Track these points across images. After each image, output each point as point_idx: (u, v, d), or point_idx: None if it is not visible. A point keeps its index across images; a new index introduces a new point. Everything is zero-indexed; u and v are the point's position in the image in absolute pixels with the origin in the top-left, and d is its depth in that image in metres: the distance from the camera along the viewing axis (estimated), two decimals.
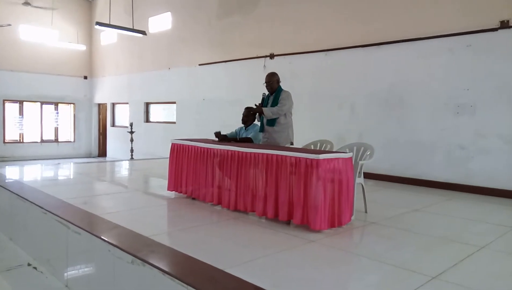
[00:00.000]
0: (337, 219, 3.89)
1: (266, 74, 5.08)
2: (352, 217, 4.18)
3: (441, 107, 6.62)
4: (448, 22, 6.52)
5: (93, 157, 17.09)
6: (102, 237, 3.37)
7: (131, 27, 11.84)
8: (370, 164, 4.62)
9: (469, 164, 6.33)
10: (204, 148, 4.88)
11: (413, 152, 6.96)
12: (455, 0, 6.47)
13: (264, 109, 4.85)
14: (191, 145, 5.09)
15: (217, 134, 5.26)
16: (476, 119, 6.25)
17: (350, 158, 4.09)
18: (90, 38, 16.98)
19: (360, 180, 4.54)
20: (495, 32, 6.03)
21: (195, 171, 5.00)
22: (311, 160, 3.70)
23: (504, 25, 5.94)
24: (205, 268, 2.80)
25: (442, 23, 6.58)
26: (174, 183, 5.31)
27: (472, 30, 6.24)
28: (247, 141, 5.09)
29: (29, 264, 4.31)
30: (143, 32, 11.59)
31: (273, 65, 8.97)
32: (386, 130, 7.30)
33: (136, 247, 3.13)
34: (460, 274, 2.91)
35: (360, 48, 7.67)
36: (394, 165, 7.16)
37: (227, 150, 4.56)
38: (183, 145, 5.24)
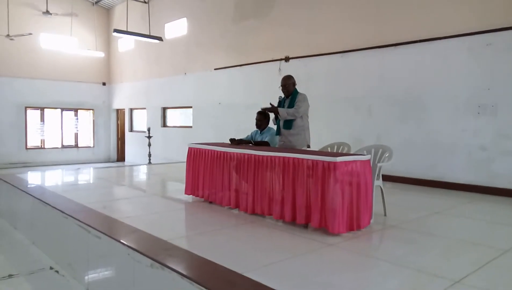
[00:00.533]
0: (355, 222, 3.84)
1: (282, 77, 5.07)
2: (371, 220, 4.12)
3: (461, 108, 6.49)
4: (466, 21, 6.40)
5: (112, 161, 17.37)
6: (121, 241, 3.41)
7: (148, 34, 12.05)
8: (387, 166, 4.56)
9: (491, 166, 6.17)
10: (220, 151, 4.89)
11: (432, 153, 6.84)
12: None
13: (279, 109, 4.84)
14: (208, 149, 5.11)
15: (232, 141, 5.29)
16: (497, 120, 6.10)
17: (368, 161, 4.04)
18: (108, 45, 17.30)
19: (378, 182, 4.48)
20: None
21: (212, 175, 5.03)
22: (328, 162, 3.67)
23: None
24: (224, 272, 2.80)
25: (460, 22, 6.46)
26: (192, 187, 5.35)
27: (492, 28, 6.10)
28: (263, 144, 5.09)
29: (51, 268, 4.39)
30: (160, 38, 11.77)
31: (289, 68, 8.96)
32: (404, 131, 7.20)
33: (155, 251, 3.16)
34: (484, 278, 2.83)
35: (376, 49, 7.59)
36: (412, 167, 7.04)
37: (244, 154, 4.56)
38: (200, 149, 5.27)
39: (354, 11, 8.01)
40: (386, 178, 6.63)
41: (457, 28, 6.49)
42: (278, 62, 9.50)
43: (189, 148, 5.48)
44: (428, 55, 6.89)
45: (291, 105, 4.91)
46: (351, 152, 4.80)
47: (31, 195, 5.51)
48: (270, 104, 4.99)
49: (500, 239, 3.82)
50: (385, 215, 4.55)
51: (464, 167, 6.46)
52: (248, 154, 4.50)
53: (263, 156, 4.31)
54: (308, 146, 5.05)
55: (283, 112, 4.81)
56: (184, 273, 2.74)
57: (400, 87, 7.26)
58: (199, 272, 2.84)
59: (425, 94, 6.93)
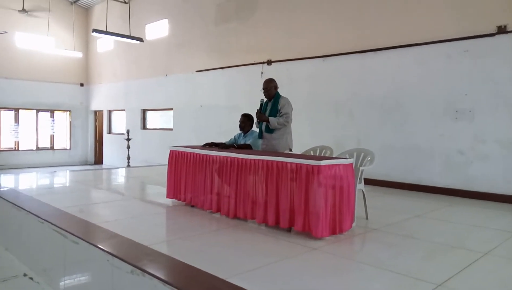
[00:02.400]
0: (338, 226, 3.85)
1: (264, 80, 5.06)
2: (354, 224, 4.14)
3: (440, 113, 6.61)
4: (445, 28, 6.54)
5: (89, 164, 16.98)
6: (100, 246, 3.30)
7: (128, 34, 11.85)
8: (368, 170, 4.59)
9: (469, 170, 6.31)
10: (203, 155, 4.83)
11: (412, 157, 6.95)
12: (452, 6, 6.49)
13: (270, 119, 4.81)
14: (190, 152, 5.04)
15: (209, 145, 5.19)
16: (475, 124, 6.25)
17: (351, 164, 4.06)
18: (86, 45, 16.95)
19: (360, 186, 4.51)
20: (493, 38, 6.05)
21: (194, 178, 4.95)
22: (312, 166, 3.66)
23: (501, 30, 5.96)
24: (206, 278, 2.74)
25: (439, 29, 6.60)
26: (173, 191, 5.25)
27: (469, 35, 6.26)
28: (246, 147, 5.05)
29: (25, 275, 4.23)
30: (140, 39, 11.61)
31: (271, 72, 8.96)
32: (384, 135, 7.29)
33: (136, 257, 3.07)
34: (465, 281, 2.87)
35: (357, 54, 7.68)
36: (392, 170, 7.14)
37: (227, 157, 4.51)
38: (181, 152, 5.19)
39: (335, 16, 8.09)
40: (367, 181, 6.67)
41: (436, 34, 6.62)
42: (261, 65, 9.50)
43: (170, 150, 5.39)
44: (408, 60, 7.01)
45: (273, 109, 4.90)
46: (334, 156, 4.82)
47: (4, 199, 5.30)
48: (258, 110, 4.94)
49: (479, 242, 3.89)
50: (366, 218, 4.58)
51: (442, 171, 6.59)
52: (231, 157, 4.45)
53: (246, 159, 4.27)
54: (290, 150, 5.04)
55: (274, 122, 4.79)
56: (166, 279, 2.66)
57: (380, 92, 7.36)
58: (181, 278, 2.77)
59: (405, 99, 7.04)
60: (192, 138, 10.91)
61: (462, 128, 6.37)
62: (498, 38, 6.02)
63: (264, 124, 4.97)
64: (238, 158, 4.36)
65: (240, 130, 5.40)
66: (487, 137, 6.13)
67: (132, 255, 3.12)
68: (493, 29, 6.04)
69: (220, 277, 2.72)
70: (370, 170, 4.71)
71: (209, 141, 5.35)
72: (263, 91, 4.99)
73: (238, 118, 5.41)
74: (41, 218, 4.19)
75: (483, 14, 6.17)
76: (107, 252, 3.17)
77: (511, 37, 5.91)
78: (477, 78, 6.23)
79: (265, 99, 5.06)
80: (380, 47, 7.34)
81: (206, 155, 4.78)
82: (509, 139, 5.92)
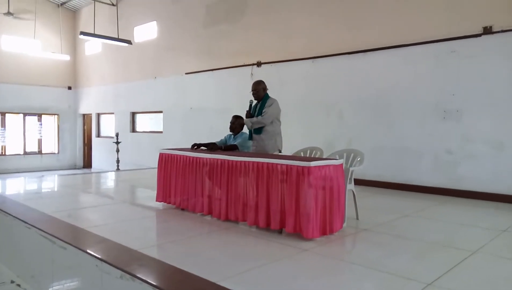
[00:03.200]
0: (328, 226, 3.85)
1: (253, 82, 5.06)
2: (344, 224, 4.15)
3: (428, 113, 6.68)
4: (432, 29, 6.61)
5: (78, 168, 16.79)
6: (89, 251, 3.26)
7: (116, 37, 11.76)
8: (358, 170, 4.61)
9: (457, 169, 6.38)
10: (193, 157, 4.80)
11: (401, 157, 7.00)
12: (439, 7, 6.57)
13: (245, 119, 4.99)
14: (180, 155, 5.00)
15: (196, 146, 5.17)
16: (462, 124, 6.32)
17: (341, 165, 4.07)
18: (74, 48, 16.77)
19: (351, 186, 4.52)
20: (479, 38, 6.13)
21: (184, 181, 4.92)
22: (302, 167, 3.66)
23: (487, 31, 6.05)
24: (197, 281, 2.71)
25: (427, 30, 6.67)
26: (163, 194, 5.21)
27: (456, 36, 6.34)
28: (232, 148, 5.03)
29: (12, 281, 4.15)
30: (129, 42, 11.53)
31: (261, 73, 8.97)
32: (374, 136, 7.33)
33: (125, 261, 3.03)
34: (455, 280, 2.89)
35: (347, 55, 7.72)
36: (382, 170, 7.18)
37: (217, 159, 4.49)
38: (171, 155, 5.16)
39: (325, 18, 8.12)
40: (357, 181, 6.70)
41: (423, 35, 6.69)
42: (250, 67, 9.50)
43: (160, 153, 5.35)
44: (397, 61, 7.07)
45: (261, 110, 4.92)
46: (324, 157, 4.83)
47: None
48: (248, 112, 5.05)
49: (468, 241, 3.92)
50: (357, 218, 4.60)
51: (431, 170, 6.65)
52: (221, 159, 4.43)
53: (236, 161, 4.26)
54: (280, 151, 5.05)
55: (248, 122, 4.96)
56: (156, 283, 2.63)
57: (370, 92, 7.40)
58: (171, 283, 2.74)
59: (394, 99, 7.10)
60: (182, 140, 10.84)
61: (450, 128, 6.44)
62: (484, 39, 6.10)
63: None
64: (228, 160, 4.35)
65: (231, 131, 5.39)
66: (475, 136, 6.20)
67: (122, 259, 3.09)
68: (479, 30, 6.12)
69: (211, 281, 2.70)
70: (361, 171, 4.74)
71: (197, 142, 5.31)
72: (252, 93, 5.00)
73: (228, 120, 5.41)
74: (28, 224, 4.12)
75: (469, 15, 6.25)
76: (96, 257, 3.12)
77: (497, 38, 5.99)
78: (464, 78, 6.30)
79: (255, 101, 5.07)
80: (369, 48, 7.39)
81: (196, 157, 4.75)
82: (497, 139, 6.00)
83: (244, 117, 5.16)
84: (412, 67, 6.88)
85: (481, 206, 5.67)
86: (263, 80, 5.11)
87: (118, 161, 12.26)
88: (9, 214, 4.60)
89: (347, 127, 7.74)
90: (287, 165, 3.79)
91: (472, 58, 6.22)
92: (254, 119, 4.88)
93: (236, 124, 5.32)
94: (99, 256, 3.12)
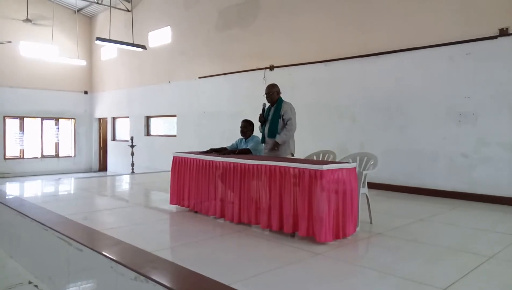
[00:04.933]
0: (342, 230, 3.84)
1: (266, 85, 5.08)
2: (358, 228, 4.13)
3: (443, 116, 6.60)
4: (447, 31, 6.54)
5: (94, 171, 17.05)
6: (104, 253, 3.31)
7: (131, 42, 11.94)
8: (371, 174, 4.58)
9: (472, 173, 6.28)
10: (206, 160, 4.84)
11: (415, 160, 6.93)
12: (454, 9, 6.50)
13: (277, 138, 4.87)
14: (193, 158, 5.05)
15: (212, 151, 5.22)
16: (478, 127, 6.23)
17: (354, 168, 4.05)
18: (90, 54, 17.09)
19: (364, 190, 4.50)
20: (495, 40, 6.04)
21: (197, 184, 4.96)
22: (315, 171, 3.67)
23: (503, 32, 5.96)
24: (210, 284, 2.74)
25: (441, 32, 6.60)
26: (177, 197, 5.27)
27: (471, 38, 6.26)
28: (245, 152, 5.06)
29: (30, 282, 4.24)
30: (143, 47, 11.69)
31: (273, 77, 8.99)
32: (387, 139, 7.28)
33: (139, 263, 3.07)
34: (470, 285, 2.85)
35: (359, 58, 7.69)
36: (396, 174, 7.12)
37: (229, 162, 4.52)
38: (185, 158, 5.21)
39: (337, 21, 8.11)
40: (371, 185, 6.66)
41: (437, 37, 6.63)
42: (263, 70, 9.53)
43: (174, 157, 5.41)
44: (410, 64, 7.01)
45: (276, 114, 4.93)
46: (337, 160, 4.81)
47: (9, 206, 5.33)
48: (261, 115, 5.01)
49: (484, 246, 3.86)
50: (371, 222, 4.57)
51: (446, 174, 6.56)
52: (234, 162, 4.46)
53: (249, 164, 4.28)
54: (292, 155, 5.05)
55: (281, 139, 4.85)
56: (170, 285, 2.67)
57: (383, 96, 7.35)
58: (184, 285, 2.77)
59: (407, 102, 7.03)
60: (195, 144, 10.95)
61: (465, 131, 6.35)
62: (500, 41, 6.01)
63: (266, 129, 5.00)
64: (241, 164, 4.37)
65: (242, 135, 5.42)
66: (490, 140, 6.10)
67: (136, 262, 3.13)
68: (495, 32, 6.04)
69: (225, 283, 2.72)
70: (374, 174, 4.71)
71: (212, 147, 5.38)
72: (265, 96, 5.02)
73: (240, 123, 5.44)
74: (46, 226, 4.21)
75: (484, 17, 6.17)
76: (111, 259, 3.18)
77: None
78: (480, 81, 6.21)
79: (268, 104, 5.09)
80: (382, 51, 7.35)
81: (209, 161, 4.80)
82: None
83: (256, 121, 5.18)
84: (426, 69, 6.81)
85: (497, 211, 5.57)
86: (276, 83, 5.13)
87: (132, 164, 12.41)
88: (27, 216, 4.70)
89: (359, 130, 7.70)
90: (299, 169, 3.80)
91: (488, 60, 6.13)
92: (285, 131, 4.82)
93: (247, 127, 5.34)
94: (114, 258, 3.17)
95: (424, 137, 6.82)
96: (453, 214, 5.44)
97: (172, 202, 5.34)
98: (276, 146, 4.94)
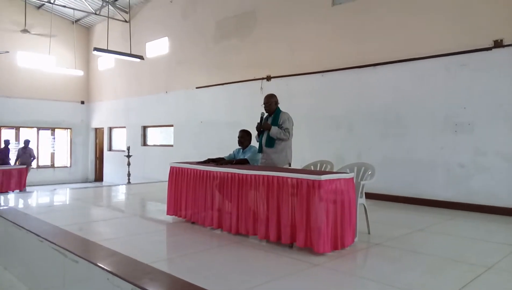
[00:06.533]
0: (340, 241, 3.81)
1: (265, 95, 5.09)
2: (356, 239, 4.11)
3: (439, 126, 6.63)
4: (443, 42, 6.61)
5: (90, 182, 16.94)
6: (100, 265, 3.27)
7: (129, 52, 11.97)
8: (368, 184, 4.58)
9: (470, 182, 6.29)
10: (203, 170, 4.82)
11: (412, 171, 6.94)
12: (449, 20, 6.58)
13: (273, 127, 4.82)
14: (190, 168, 5.03)
15: (209, 161, 5.20)
16: (474, 137, 6.26)
17: (352, 179, 4.05)
18: (87, 64, 17.12)
19: (362, 200, 4.49)
20: (490, 51, 6.11)
21: (194, 194, 4.93)
22: (313, 181, 3.66)
23: (498, 44, 6.03)
24: None
25: (437, 43, 6.67)
26: (174, 207, 5.23)
27: (467, 49, 6.33)
28: (243, 162, 5.04)
29: None
30: (141, 57, 11.72)
31: (270, 87, 9.03)
32: (384, 149, 7.29)
33: (136, 275, 3.04)
34: None
35: (356, 68, 7.74)
36: (393, 184, 7.11)
37: (227, 173, 4.50)
38: (182, 168, 5.19)
39: (333, 31, 8.18)
40: (368, 195, 6.65)
41: (434, 48, 6.69)
42: (260, 81, 9.57)
43: (171, 167, 5.38)
44: (406, 74, 7.07)
45: (274, 123, 4.92)
46: (334, 170, 4.81)
47: (4, 217, 5.26)
48: (258, 124, 4.97)
49: (482, 256, 3.84)
50: (369, 233, 4.55)
51: (443, 184, 6.57)
52: (231, 173, 4.45)
53: (246, 175, 4.26)
54: (289, 165, 5.04)
55: (274, 131, 4.80)
56: None
57: (380, 106, 7.39)
58: None
59: (404, 113, 7.07)
60: (192, 154, 10.91)
61: (462, 141, 6.37)
62: (495, 52, 6.08)
63: (264, 138, 4.99)
64: (238, 174, 4.36)
65: (239, 145, 5.41)
66: (487, 149, 6.13)
67: (133, 273, 3.09)
68: (490, 43, 6.11)
69: None
70: (371, 184, 4.69)
71: (210, 157, 5.36)
72: (264, 106, 5.03)
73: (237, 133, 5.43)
74: (41, 237, 4.16)
75: (479, 28, 6.24)
76: (107, 270, 3.13)
77: (508, 51, 5.97)
78: (476, 92, 6.26)
79: (266, 114, 5.09)
80: (378, 62, 7.41)
81: (207, 171, 4.78)
82: (510, 152, 5.92)
83: (254, 130, 5.17)
84: (422, 80, 6.86)
85: (495, 221, 5.57)
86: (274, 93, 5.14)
87: (129, 175, 12.35)
88: (22, 227, 4.65)
89: (357, 140, 7.72)
90: (297, 179, 3.79)
91: (483, 71, 6.19)
92: (282, 132, 4.79)
93: (245, 137, 5.34)
94: (110, 270, 3.13)
95: (421, 147, 6.84)
96: (451, 224, 5.43)
97: (169, 212, 5.29)
98: (271, 143, 4.90)
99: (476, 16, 6.30)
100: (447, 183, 6.52)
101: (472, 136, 6.27)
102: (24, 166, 11.45)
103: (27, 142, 12.65)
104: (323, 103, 8.29)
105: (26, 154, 12.27)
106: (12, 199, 7.63)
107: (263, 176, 4.08)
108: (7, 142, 12.38)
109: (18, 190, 10.65)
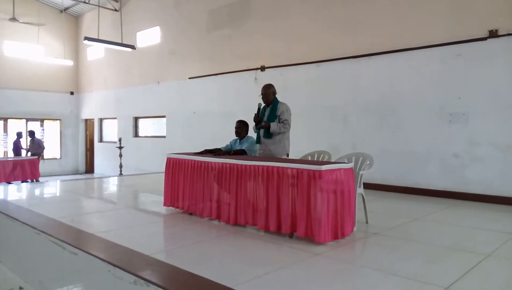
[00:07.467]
0: (340, 230, 3.82)
1: (262, 86, 5.04)
2: (354, 228, 4.12)
3: (434, 116, 6.67)
4: (438, 32, 6.61)
5: (80, 173, 16.75)
6: (101, 256, 3.22)
7: (120, 42, 11.78)
8: (365, 174, 4.59)
9: (464, 172, 6.35)
10: (201, 161, 4.78)
11: (407, 161, 6.98)
12: (444, 10, 6.58)
13: (271, 124, 4.78)
14: (188, 159, 4.98)
15: (207, 152, 5.16)
16: (469, 128, 6.30)
17: (351, 169, 4.05)
18: (77, 54, 16.81)
19: (360, 190, 4.50)
20: (485, 42, 6.14)
21: (192, 185, 4.89)
22: (314, 171, 3.64)
23: (492, 34, 6.05)
24: (213, 286, 2.68)
25: (432, 33, 6.67)
26: (171, 198, 5.19)
27: (462, 39, 6.34)
28: (240, 153, 5.01)
29: (20, 288, 4.12)
30: (132, 47, 11.55)
31: (265, 78, 8.96)
32: (379, 140, 7.32)
33: (138, 267, 3.00)
34: (471, 283, 2.86)
35: (351, 59, 7.72)
36: (388, 174, 7.16)
37: (225, 163, 4.47)
38: (179, 159, 5.14)
39: (329, 21, 8.13)
40: (365, 185, 6.67)
41: (429, 39, 6.69)
42: (254, 71, 9.50)
43: (167, 158, 5.33)
44: (402, 65, 7.07)
45: (272, 114, 4.89)
46: (332, 161, 4.80)
47: None
48: (256, 115, 4.92)
49: (480, 244, 3.89)
50: (367, 222, 4.57)
51: (438, 174, 6.62)
52: (230, 163, 4.41)
53: (245, 165, 4.24)
54: (287, 155, 5.02)
55: (274, 127, 4.77)
56: (171, 289, 2.60)
57: (375, 96, 7.40)
58: (187, 288, 2.71)
59: (399, 103, 7.09)
60: (185, 145, 10.83)
61: (457, 131, 6.42)
62: (490, 42, 6.10)
63: (262, 129, 4.95)
64: (237, 164, 4.33)
65: (236, 136, 5.37)
66: (481, 140, 6.18)
67: (135, 265, 3.06)
68: (485, 33, 6.13)
69: (228, 286, 2.67)
70: (367, 174, 4.72)
71: (205, 148, 5.32)
72: (261, 96, 4.98)
73: (232, 124, 5.39)
74: (38, 229, 4.09)
75: (475, 19, 6.25)
76: (108, 262, 3.09)
77: (502, 41, 6.00)
78: (470, 82, 6.30)
79: (263, 104, 5.05)
80: (374, 52, 7.40)
81: (205, 161, 4.73)
82: (504, 142, 5.98)
83: (250, 121, 5.13)
84: (417, 71, 6.87)
85: (490, 209, 5.64)
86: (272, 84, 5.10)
87: (121, 166, 12.23)
88: (17, 220, 4.57)
89: (352, 131, 7.73)
90: (297, 169, 3.77)
91: (478, 61, 6.22)
92: (281, 125, 4.76)
93: (242, 128, 5.30)
94: (112, 261, 3.09)
95: (416, 138, 6.88)
96: (447, 213, 5.48)
97: (166, 204, 5.25)
98: (268, 135, 4.87)
99: (471, 6, 6.30)
100: (443, 173, 6.58)
101: (467, 126, 6.32)
102: (36, 157, 11.76)
103: (19, 134, 12.72)
104: (318, 94, 8.27)
105: (35, 145, 12.59)
106: (1, 191, 7.47)
107: (263, 166, 4.05)
108: (19, 134, 12.78)
109: (34, 180, 11.02)
